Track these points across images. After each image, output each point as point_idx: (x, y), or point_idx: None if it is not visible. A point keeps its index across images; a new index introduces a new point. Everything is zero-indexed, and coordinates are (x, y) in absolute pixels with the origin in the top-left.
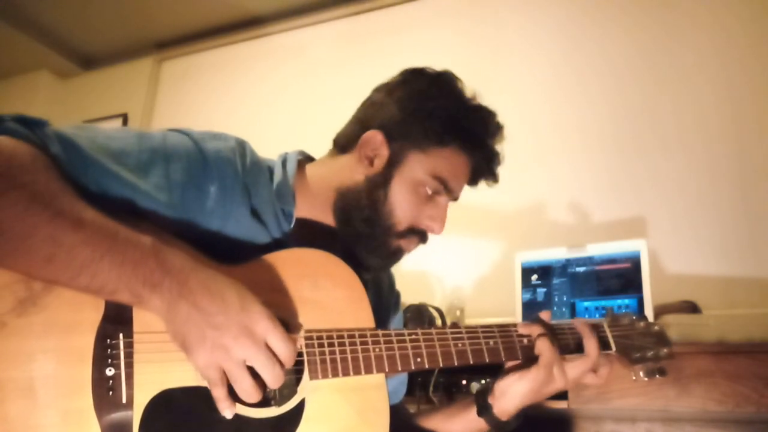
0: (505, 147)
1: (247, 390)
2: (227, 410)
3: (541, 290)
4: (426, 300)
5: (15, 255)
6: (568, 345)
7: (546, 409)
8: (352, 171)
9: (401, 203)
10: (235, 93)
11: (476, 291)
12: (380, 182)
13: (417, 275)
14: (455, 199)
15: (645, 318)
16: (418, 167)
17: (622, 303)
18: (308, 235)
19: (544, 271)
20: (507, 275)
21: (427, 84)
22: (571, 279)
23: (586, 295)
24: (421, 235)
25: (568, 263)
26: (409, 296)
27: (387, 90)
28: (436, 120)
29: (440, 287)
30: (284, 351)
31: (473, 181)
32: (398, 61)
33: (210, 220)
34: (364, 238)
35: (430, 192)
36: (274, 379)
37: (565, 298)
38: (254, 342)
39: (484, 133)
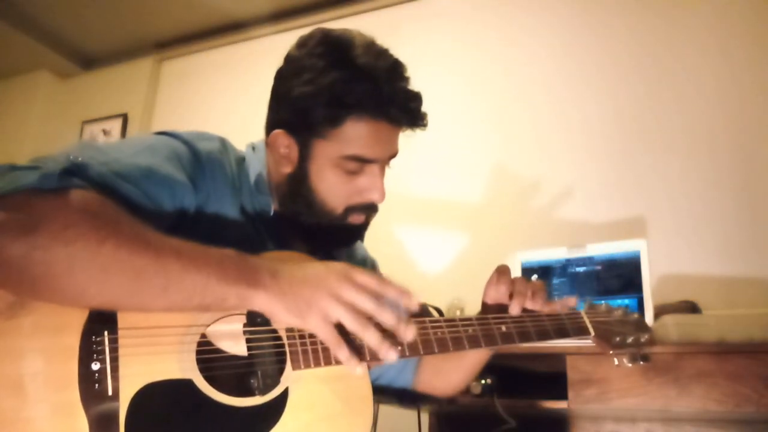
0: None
1: (372, 330)
2: (358, 366)
3: None
4: (426, 300)
5: (132, 295)
6: (546, 331)
7: (546, 409)
8: (280, 167)
9: (328, 191)
10: (235, 93)
11: (476, 291)
12: (300, 179)
13: (417, 275)
14: (391, 157)
15: (623, 308)
16: (325, 155)
17: (622, 303)
18: (285, 225)
19: (544, 271)
20: None
21: (301, 66)
22: (571, 279)
23: (586, 295)
24: (365, 208)
25: (568, 263)
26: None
27: (280, 80)
28: (320, 103)
29: (440, 287)
30: (373, 283)
31: (407, 128)
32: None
33: (204, 218)
34: (316, 228)
35: (353, 169)
36: (382, 310)
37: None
38: (353, 284)
39: (375, 89)
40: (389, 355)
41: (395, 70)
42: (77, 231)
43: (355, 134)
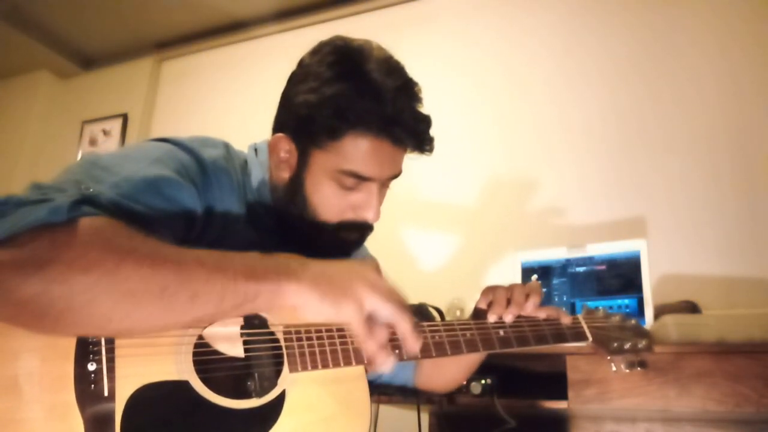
0: (430, 108)
1: (408, 319)
2: (386, 360)
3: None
4: (426, 300)
5: (161, 312)
6: (544, 336)
7: (546, 409)
8: (279, 171)
9: (321, 202)
10: (235, 93)
11: (476, 291)
12: (296, 187)
13: (417, 275)
14: (393, 177)
15: (621, 314)
16: (322, 166)
17: (622, 303)
18: (287, 230)
19: (544, 271)
20: (507, 275)
21: (309, 73)
22: (571, 279)
23: (586, 295)
24: (358, 226)
25: (568, 263)
26: (409, 296)
27: (289, 83)
28: (322, 114)
29: (440, 287)
30: (395, 288)
31: (412, 151)
32: (400, 60)
33: (211, 228)
34: (306, 238)
35: (349, 185)
36: (402, 307)
37: (565, 298)
38: (384, 279)
39: (380, 107)
40: (415, 347)
41: (405, 89)
42: (93, 258)
43: (355, 150)
